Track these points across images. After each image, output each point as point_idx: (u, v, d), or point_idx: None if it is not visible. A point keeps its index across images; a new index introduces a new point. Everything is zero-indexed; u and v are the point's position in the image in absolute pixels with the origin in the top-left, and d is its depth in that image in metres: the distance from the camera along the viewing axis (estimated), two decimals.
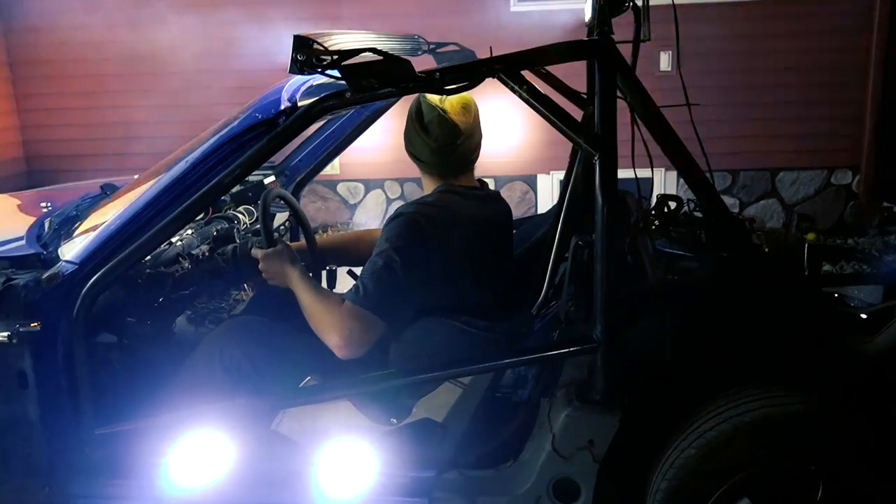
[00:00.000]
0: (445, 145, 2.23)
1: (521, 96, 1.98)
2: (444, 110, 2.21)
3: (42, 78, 6.46)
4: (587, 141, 1.94)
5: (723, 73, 5.81)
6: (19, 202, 3.03)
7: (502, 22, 5.93)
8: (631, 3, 2.14)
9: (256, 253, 2.31)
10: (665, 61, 5.59)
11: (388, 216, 2.29)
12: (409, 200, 2.36)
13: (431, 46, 2.76)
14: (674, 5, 2.25)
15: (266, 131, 2.07)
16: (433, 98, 2.22)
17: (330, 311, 2.13)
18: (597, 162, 1.91)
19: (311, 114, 1.99)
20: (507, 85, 1.96)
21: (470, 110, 2.26)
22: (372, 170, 6.23)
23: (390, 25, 5.53)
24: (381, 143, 5.63)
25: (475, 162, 2.35)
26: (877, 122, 5.72)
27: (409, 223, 2.17)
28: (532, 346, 2.28)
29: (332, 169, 5.84)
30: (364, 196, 6.48)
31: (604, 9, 2.07)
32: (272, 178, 3.17)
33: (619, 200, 2.38)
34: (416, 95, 2.24)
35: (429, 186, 2.35)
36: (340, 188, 6.46)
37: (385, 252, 2.13)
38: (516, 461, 2.09)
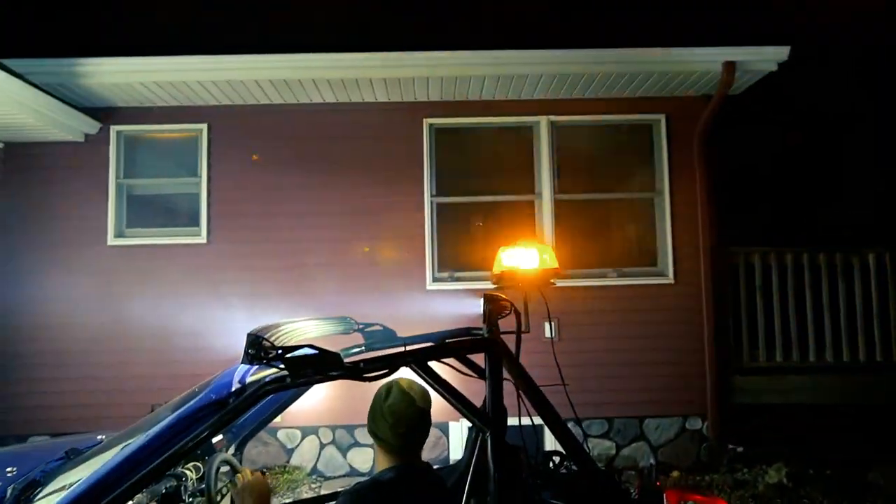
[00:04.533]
0: (411, 429, 2.12)
1: (427, 382, 2.07)
2: (412, 399, 2.12)
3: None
4: (480, 420, 2.00)
5: (596, 339, 6.12)
6: None
7: (420, 298, 6.24)
8: (512, 309, 2.34)
9: None
10: (548, 330, 5.83)
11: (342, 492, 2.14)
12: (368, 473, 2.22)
13: (360, 326, 2.85)
14: (544, 297, 2.45)
15: (218, 409, 2.08)
16: (403, 384, 2.15)
17: None
18: (489, 436, 1.97)
19: (256, 396, 2.00)
20: (417, 373, 2.05)
21: (429, 399, 2.18)
22: (308, 418, 6.05)
23: (337, 302, 5.78)
24: (317, 395, 5.59)
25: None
26: (715, 380, 6.02)
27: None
28: None
29: None
30: (301, 441, 6.23)
31: (491, 313, 2.25)
32: (220, 437, 3.07)
33: (513, 456, 2.40)
34: (385, 381, 2.13)
35: (383, 462, 2.17)
36: (280, 434, 6.22)
37: None
38: None
